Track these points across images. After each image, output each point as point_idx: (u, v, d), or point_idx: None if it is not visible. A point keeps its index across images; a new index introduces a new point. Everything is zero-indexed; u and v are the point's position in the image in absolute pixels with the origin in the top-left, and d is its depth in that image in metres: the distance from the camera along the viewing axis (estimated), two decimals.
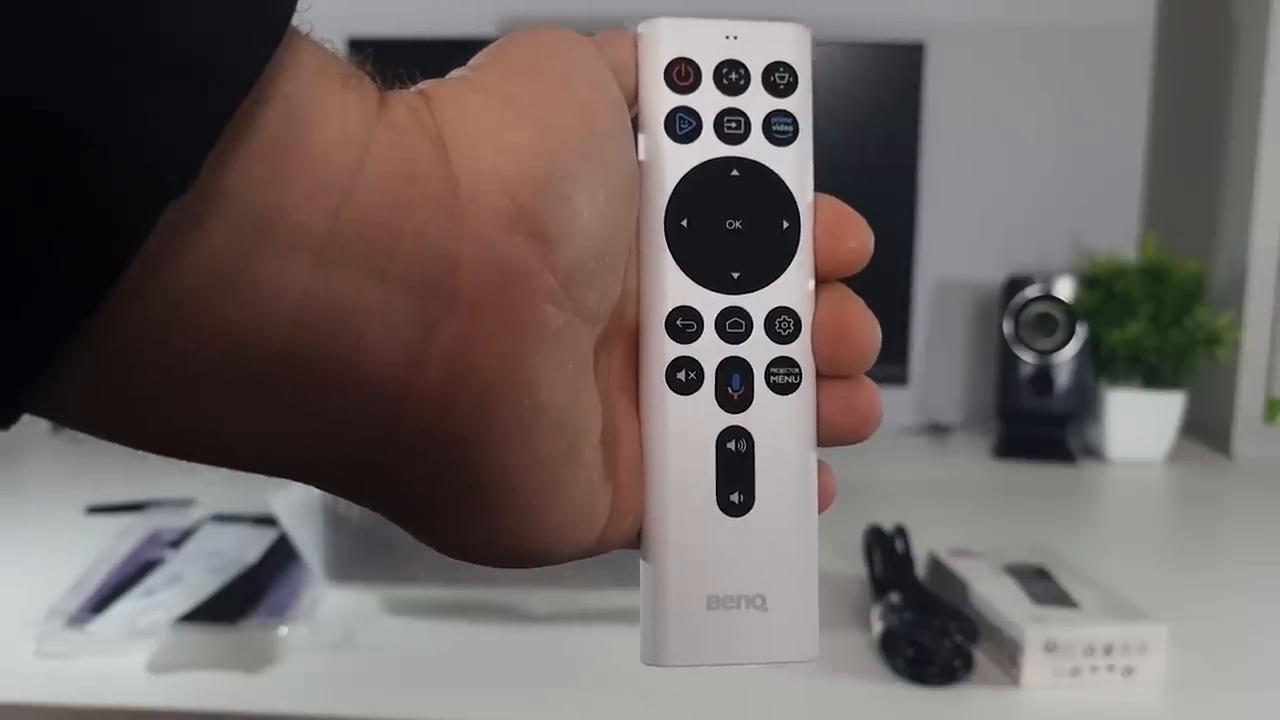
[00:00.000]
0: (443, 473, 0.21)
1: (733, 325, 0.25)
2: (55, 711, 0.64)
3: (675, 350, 0.25)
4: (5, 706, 0.65)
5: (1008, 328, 1.32)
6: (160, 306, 0.17)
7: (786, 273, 0.25)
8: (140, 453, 0.20)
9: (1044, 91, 1.42)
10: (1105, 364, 1.28)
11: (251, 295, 0.18)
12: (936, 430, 1.43)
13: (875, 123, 1.29)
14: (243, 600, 0.75)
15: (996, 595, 0.72)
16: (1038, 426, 1.31)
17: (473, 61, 0.23)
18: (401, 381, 0.20)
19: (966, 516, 1.07)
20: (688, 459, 0.25)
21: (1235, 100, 1.28)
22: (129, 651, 0.69)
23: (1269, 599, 0.83)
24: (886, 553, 0.78)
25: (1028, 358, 1.31)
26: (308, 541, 0.73)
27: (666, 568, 0.25)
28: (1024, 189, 1.43)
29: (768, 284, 0.25)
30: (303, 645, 0.71)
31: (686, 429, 0.25)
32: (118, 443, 0.19)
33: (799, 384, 0.25)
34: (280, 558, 0.82)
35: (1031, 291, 1.31)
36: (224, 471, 0.21)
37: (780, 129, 0.25)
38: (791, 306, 0.25)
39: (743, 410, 0.25)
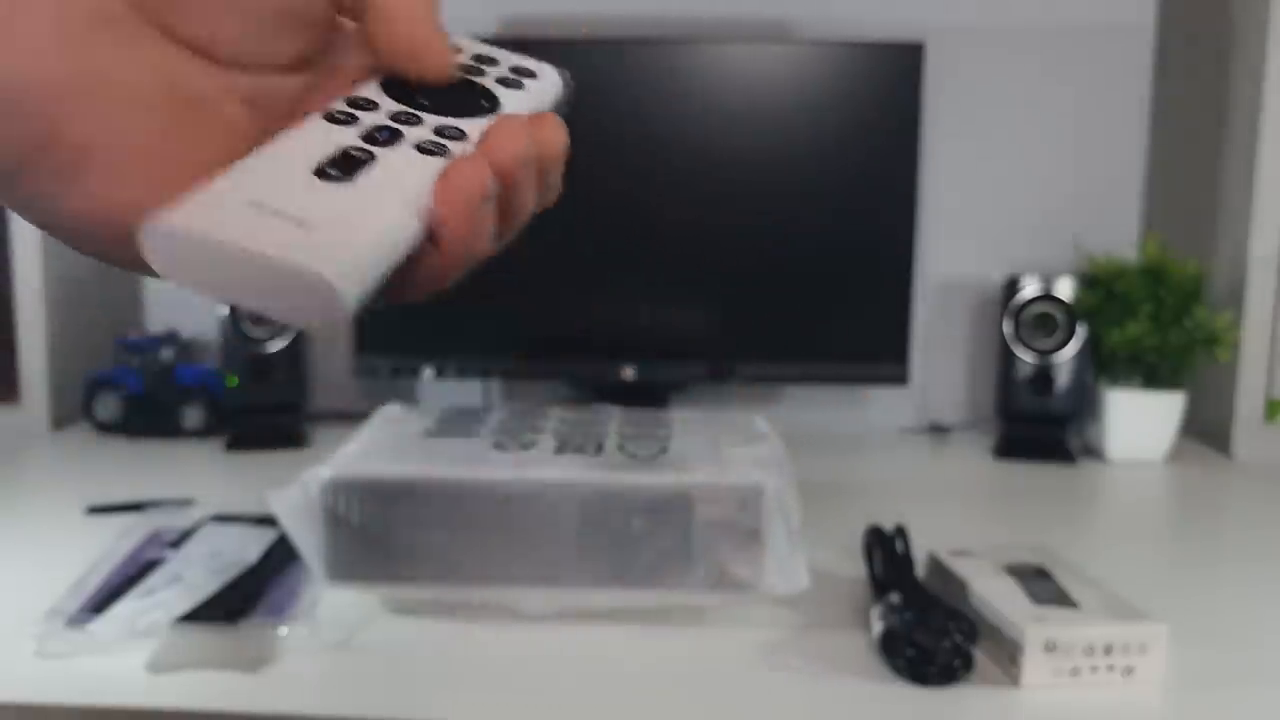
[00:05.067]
0: (24, 130, 0.22)
1: (405, 116, 0.27)
2: (55, 711, 0.64)
3: (342, 106, 0.27)
4: (5, 706, 0.65)
5: (1008, 328, 1.32)
6: None
7: (474, 119, 0.28)
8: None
9: (1044, 91, 1.42)
10: (1105, 364, 1.28)
11: None
12: (936, 430, 1.43)
13: (875, 123, 1.29)
14: (243, 600, 0.75)
15: (996, 595, 0.72)
16: (1038, 426, 1.31)
17: None
18: None
19: (966, 516, 1.07)
20: (301, 139, 0.25)
21: (1235, 100, 1.28)
22: (129, 651, 0.69)
23: (1269, 598, 0.83)
24: (886, 553, 0.78)
25: (1028, 358, 1.31)
26: (308, 541, 0.73)
27: (226, 173, 0.24)
28: (1024, 189, 1.43)
29: (453, 116, 0.28)
30: (303, 645, 0.71)
31: (317, 131, 0.26)
32: None
33: (443, 154, 0.26)
34: (280, 558, 0.82)
35: (1031, 291, 1.31)
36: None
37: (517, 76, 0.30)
38: (465, 130, 0.27)
39: (379, 146, 0.26)
